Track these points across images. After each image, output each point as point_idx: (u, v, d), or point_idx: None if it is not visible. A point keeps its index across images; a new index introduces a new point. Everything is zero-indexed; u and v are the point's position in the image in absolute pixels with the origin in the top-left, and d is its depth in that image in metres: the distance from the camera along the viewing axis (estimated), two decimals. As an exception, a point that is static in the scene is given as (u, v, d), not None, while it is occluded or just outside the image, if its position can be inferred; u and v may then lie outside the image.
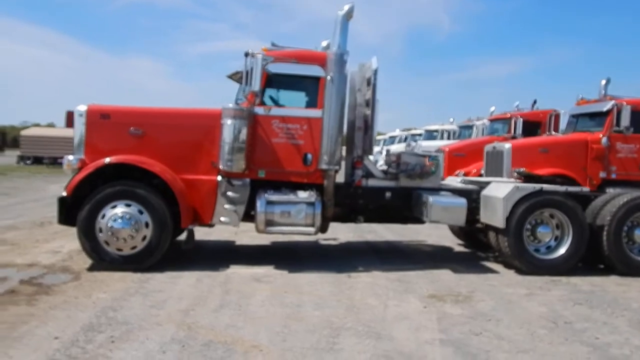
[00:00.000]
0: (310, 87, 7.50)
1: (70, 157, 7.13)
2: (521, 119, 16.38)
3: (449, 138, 23.55)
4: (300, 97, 7.65)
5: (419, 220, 8.43)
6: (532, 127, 16.54)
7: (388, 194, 7.93)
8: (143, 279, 6.57)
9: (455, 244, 10.02)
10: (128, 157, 7.12)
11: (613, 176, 11.61)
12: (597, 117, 12.33)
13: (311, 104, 7.53)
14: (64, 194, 6.94)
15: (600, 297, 6.42)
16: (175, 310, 5.42)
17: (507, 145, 12.26)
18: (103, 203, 6.92)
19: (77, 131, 7.26)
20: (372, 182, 7.95)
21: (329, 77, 7.34)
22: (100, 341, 4.54)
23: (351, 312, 5.54)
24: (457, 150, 16.37)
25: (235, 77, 8.27)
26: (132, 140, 7.27)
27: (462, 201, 7.68)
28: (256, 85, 7.12)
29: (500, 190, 7.69)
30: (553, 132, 14.93)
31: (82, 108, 7.31)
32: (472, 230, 8.80)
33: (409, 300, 6.02)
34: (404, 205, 8.02)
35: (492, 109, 19.26)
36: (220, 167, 7.18)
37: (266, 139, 7.39)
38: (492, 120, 18.30)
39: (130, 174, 7.18)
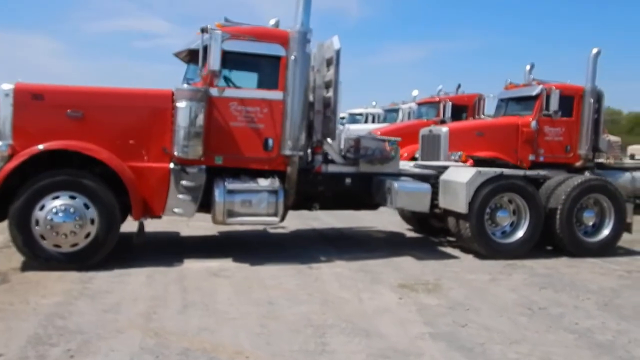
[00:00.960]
0: (270, 67, 6.98)
1: None
2: (450, 103, 16.71)
3: (373, 121, 23.65)
4: (258, 77, 7.12)
5: (375, 207, 8.28)
6: (459, 110, 16.96)
7: (348, 180, 7.67)
8: (85, 279, 5.86)
9: (405, 229, 9.96)
10: (70, 142, 6.32)
11: (541, 159, 12.11)
12: (526, 101, 12.78)
13: (270, 85, 7.00)
14: None
15: (559, 280, 6.54)
16: (134, 314, 4.83)
17: (445, 129, 12.41)
18: (43, 193, 6.13)
19: (2, 113, 6.33)
20: (332, 168, 7.63)
21: (292, 57, 6.84)
22: (56, 356, 3.91)
23: (327, 307, 5.21)
24: (388, 134, 16.41)
25: (182, 55, 7.53)
26: (69, 123, 6.44)
27: (427, 187, 7.60)
28: (215, 64, 6.46)
29: (462, 175, 7.60)
30: (483, 116, 15.37)
31: (7, 87, 6.36)
32: (424, 215, 8.68)
33: (381, 292, 5.79)
34: (364, 191, 7.80)
35: (415, 92, 19.58)
36: (175, 153, 6.54)
37: (223, 123, 6.81)
38: (420, 104, 18.56)
39: (68, 162, 6.38)
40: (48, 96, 6.46)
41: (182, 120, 6.46)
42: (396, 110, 20.93)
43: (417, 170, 8.47)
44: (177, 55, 7.64)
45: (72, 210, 6.15)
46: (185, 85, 6.68)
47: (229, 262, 6.83)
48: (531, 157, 12.09)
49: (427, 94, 18.33)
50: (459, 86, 18.05)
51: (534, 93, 12.38)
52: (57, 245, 6.17)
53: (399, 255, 7.59)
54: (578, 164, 12.05)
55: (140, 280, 5.93)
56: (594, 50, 12.27)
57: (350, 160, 7.72)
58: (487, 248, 7.61)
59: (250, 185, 6.85)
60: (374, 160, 7.69)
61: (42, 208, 6.12)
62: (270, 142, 6.95)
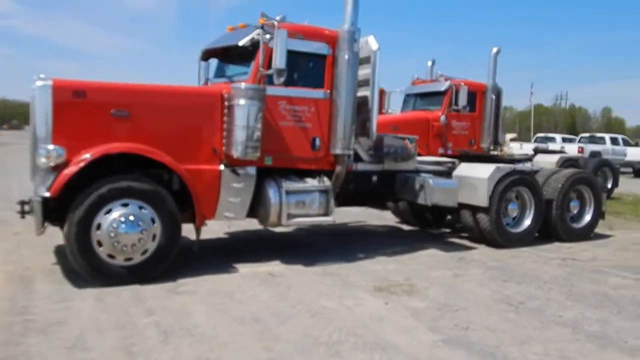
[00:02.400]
0: (316, 66, 6.90)
1: (51, 147, 5.48)
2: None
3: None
4: (306, 76, 6.89)
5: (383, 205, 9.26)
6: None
7: (374, 178, 7.76)
8: (18, 309, 4.89)
9: (345, 226, 9.77)
10: (132, 145, 5.82)
11: (449, 152, 12.62)
12: (434, 97, 13.23)
13: (316, 84, 6.90)
14: (46, 194, 5.41)
15: (512, 272, 6.76)
16: (109, 349, 4.09)
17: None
18: (108, 201, 5.57)
19: (40, 113, 5.58)
20: (361, 167, 7.60)
21: (346, 57, 6.76)
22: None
23: (320, 320, 4.84)
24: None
25: (212, 52, 7.39)
26: (115, 123, 5.88)
27: (455, 183, 7.98)
28: (282, 62, 6.17)
29: (481, 171, 8.14)
30: (390, 110, 15.66)
31: (44, 83, 5.61)
32: (422, 209, 9.21)
33: (362, 297, 5.54)
34: (388, 188, 7.94)
35: None
36: (233, 154, 6.19)
37: (273, 122, 6.59)
38: None
39: (117, 165, 5.82)
40: (91, 94, 5.82)
41: (241, 119, 6.11)
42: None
43: (431, 167, 8.66)
44: (207, 52, 7.43)
45: (137, 219, 5.64)
46: (243, 84, 6.24)
47: (184, 275, 6.12)
48: (440, 151, 12.53)
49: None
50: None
51: (442, 89, 12.86)
52: (112, 257, 5.63)
53: (355, 255, 7.38)
54: None
55: (90, 304, 5.08)
56: (494, 49, 13.04)
57: (376, 159, 7.72)
58: (504, 238, 8.19)
59: (304, 185, 6.76)
60: (397, 157, 7.82)
61: (108, 214, 5.57)
62: (318, 141, 6.90)
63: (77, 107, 5.71)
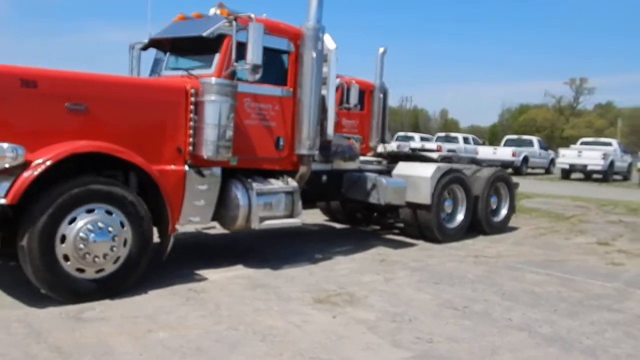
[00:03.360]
0: (279, 62, 6.66)
1: (5, 145, 4.61)
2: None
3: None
4: (267, 73, 6.25)
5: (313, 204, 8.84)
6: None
7: (324, 178, 7.64)
8: None
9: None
10: (99, 144, 5.15)
11: None
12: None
13: (279, 81, 6.64)
14: (1, 200, 4.56)
15: (437, 272, 6.66)
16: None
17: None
18: (73, 206, 4.85)
19: None
20: (314, 166, 7.18)
21: (313, 55, 6.56)
22: None
23: (273, 344, 4.21)
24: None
25: (164, 42, 6.77)
26: (69, 118, 5.16)
27: (404, 182, 8.09)
28: (258, 58, 5.77)
29: (423, 170, 8.39)
30: None
31: None
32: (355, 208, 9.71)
33: (306, 312, 4.99)
34: (336, 188, 7.89)
35: None
36: (203, 154, 5.77)
37: (238, 121, 6.16)
38: None
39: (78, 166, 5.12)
40: (43, 83, 5.03)
41: (212, 117, 5.74)
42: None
43: (372, 167, 8.76)
44: (154, 41, 6.82)
45: (106, 226, 5.00)
46: (214, 79, 5.83)
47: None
48: (333, 148, 12.41)
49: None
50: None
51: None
52: (82, 270, 4.94)
53: (278, 260, 6.77)
54: (369, 154, 12.80)
55: (-30, 346, 3.90)
56: (381, 50, 13.15)
57: (325, 158, 7.57)
58: (442, 234, 8.56)
59: (273, 186, 6.53)
60: (345, 157, 7.80)
61: (72, 223, 4.86)
62: (282, 141, 6.68)
63: (25, 99, 4.92)
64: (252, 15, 5.94)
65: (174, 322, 4.57)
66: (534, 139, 29.56)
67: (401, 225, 9.35)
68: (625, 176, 27.70)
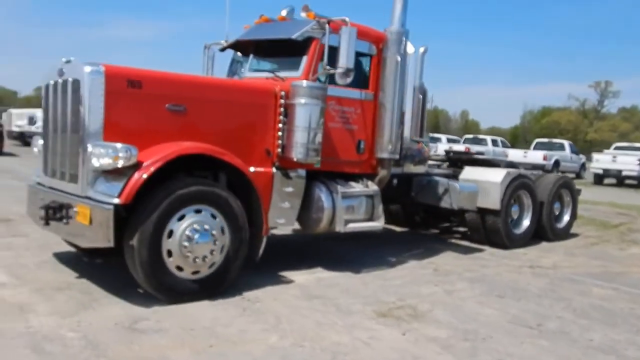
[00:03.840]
0: (363, 66, 6.65)
1: (119, 145, 4.65)
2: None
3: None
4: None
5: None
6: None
7: (395, 181, 7.55)
8: None
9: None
10: (204, 145, 5.18)
11: None
12: None
13: (362, 84, 6.63)
14: (116, 200, 4.61)
15: (498, 285, 6.29)
16: None
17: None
18: (177, 208, 4.86)
19: (89, 104, 4.81)
20: None
21: (398, 59, 6.56)
22: None
23: (345, 362, 3.90)
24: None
25: (248, 44, 6.79)
26: (170, 119, 5.21)
27: (476, 187, 7.94)
28: (350, 61, 5.82)
29: (492, 175, 8.26)
30: None
31: (94, 68, 4.85)
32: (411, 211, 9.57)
33: (371, 327, 4.67)
34: (406, 191, 7.82)
35: None
36: (293, 156, 5.78)
37: (324, 123, 6.06)
38: None
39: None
40: (147, 84, 5.09)
41: (303, 120, 5.74)
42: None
43: (440, 171, 8.77)
44: (240, 43, 6.81)
45: (208, 227, 5.00)
46: (305, 82, 5.83)
47: (133, 306, 4.80)
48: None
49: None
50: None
51: None
52: (181, 269, 4.93)
53: (323, 268, 6.48)
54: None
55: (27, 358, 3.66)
56: (422, 49, 12.70)
57: (396, 162, 7.26)
58: (510, 240, 8.41)
59: (357, 189, 6.49)
60: (415, 161, 7.64)
61: (170, 233, 4.85)
62: (362, 144, 6.66)
63: (131, 99, 4.99)
64: (347, 19, 5.93)
65: (234, 335, 4.29)
66: (565, 143, 28.85)
67: (460, 229, 9.41)
68: (660, 182, 26.87)
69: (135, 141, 4.77)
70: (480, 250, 8.28)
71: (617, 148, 27.30)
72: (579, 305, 5.67)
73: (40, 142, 5.79)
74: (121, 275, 5.25)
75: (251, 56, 6.82)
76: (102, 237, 4.61)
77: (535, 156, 25.69)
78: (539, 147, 28.08)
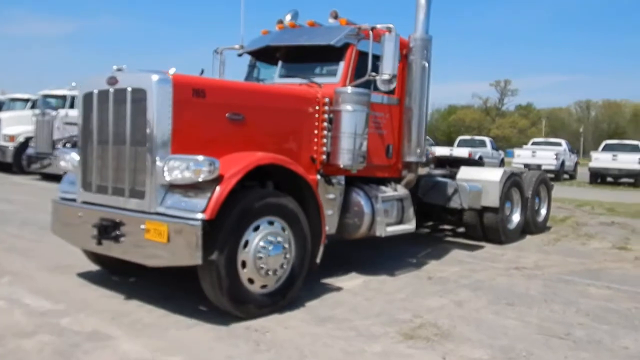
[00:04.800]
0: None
1: (200, 158, 4.37)
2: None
3: (72, 106, 19.41)
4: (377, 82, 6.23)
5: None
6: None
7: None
8: None
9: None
10: (274, 155, 5.10)
11: None
12: None
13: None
14: (201, 215, 4.30)
15: (500, 291, 6.05)
16: None
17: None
18: (254, 218, 4.68)
19: (157, 115, 4.52)
20: None
21: (425, 64, 6.70)
22: None
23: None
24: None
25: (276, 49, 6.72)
26: (229, 128, 5.09)
27: (480, 187, 8.17)
28: (395, 68, 5.94)
29: (491, 174, 8.59)
30: None
31: (162, 77, 4.57)
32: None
33: (405, 352, 4.20)
34: (412, 193, 7.44)
35: (74, 84, 17.14)
36: (340, 163, 5.85)
37: None
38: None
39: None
40: (211, 93, 4.94)
41: (349, 126, 5.81)
42: (64, 97, 17.73)
43: (439, 171, 8.87)
44: (272, 49, 6.68)
45: (281, 240, 4.89)
46: (349, 88, 5.91)
47: (110, 326, 4.01)
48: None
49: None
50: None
51: None
52: (252, 282, 4.76)
53: (315, 282, 5.91)
54: None
55: None
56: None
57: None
58: (506, 235, 8.81)
59: (394, 193, 6.61)
60: (423, 163, 7.61)
61: (255, 231, 4.73)
62: (391, 148, 6.77)
63: (196, 109, 4.79)
64: (392, 26, 5.94)
65: (263, 377, 3.65)
66: (487, 140, 30.00)
67: (450, 227, 9.69)
68: (572, 175, 28.63)
69: (200, 152, 4.52)
70: (458, 250, 8.19)
71: (534, 143, 28.75)
72: (588, 308, 5.52)
73: (71, 155, 5.43)
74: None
75: (280, 62, 6.72)
76: (186, 255, 4.32)
77: (461, 152, 26.42)
78: (462, 144, 28.96)
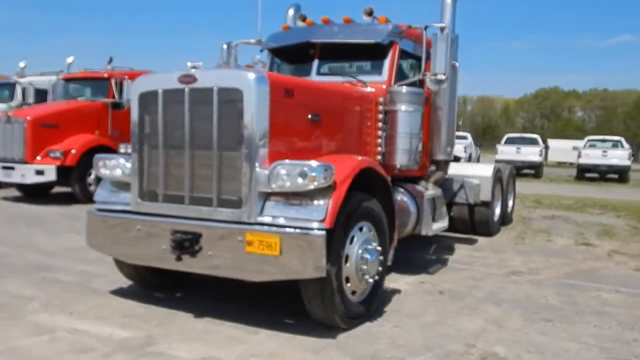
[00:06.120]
0: (419, 70, 6.37)
1: (314, 164, 4.05)
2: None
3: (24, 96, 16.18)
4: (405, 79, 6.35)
5: None
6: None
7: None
8: None
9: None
10: (368, 159, 5.03)
11: None
12: None
13: (420, 88, 6.39)
14: (322, 225, 4.02)
15: (519, 303, 5.58)
16: None
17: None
18: (350, 228, 4.38)
19: (256, 117, 4.19)
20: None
21: (457, 63, 6.61)
22: None
23: None
24: (46, 119, 11.53)
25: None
26: (310, 129, 4.86)
27: (479, 182, 8.26)
28: (447, 67, 5.86)
29: (483, 170, 9.01)
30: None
31: (259, 76, 4.26)
32: None
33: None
34: None
35: (70, 59, 15.10)
36: (397, 163, 5.85)
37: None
38: (69, 80, 13.71)
39: None
40: (298, 93, 4.72)
41: (406, 126, 5.85)
42: (10, 85, 15.18)
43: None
44: (311, 45, 6.39)
45: (374, 245, 4.66)
46: (405, 88, 5.94)
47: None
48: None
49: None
50: (111, 60, 14.39)
51: None
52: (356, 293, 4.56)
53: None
54: None
55: None
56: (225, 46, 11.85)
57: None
58: (493, 228, 9.24)
59: (431, 192, 6.55)
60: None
61: (351, 242, 4.46)
62: (421, 147, 6.41)
63: (286, 109, 4.56)
64: (444, 25, 5.89)
65: None
66: (468, 134, 30.61)
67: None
68: (477, 167, 29.67)
69: (287, 156, 4.35)
70: (436, 252, 7.81)
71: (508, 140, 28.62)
72: (621, 318, 5.20)
73: (119, 161, 4.79)
74: None
75: (317, 60, 6.44)
76: (304, 268, 3.97)
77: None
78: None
